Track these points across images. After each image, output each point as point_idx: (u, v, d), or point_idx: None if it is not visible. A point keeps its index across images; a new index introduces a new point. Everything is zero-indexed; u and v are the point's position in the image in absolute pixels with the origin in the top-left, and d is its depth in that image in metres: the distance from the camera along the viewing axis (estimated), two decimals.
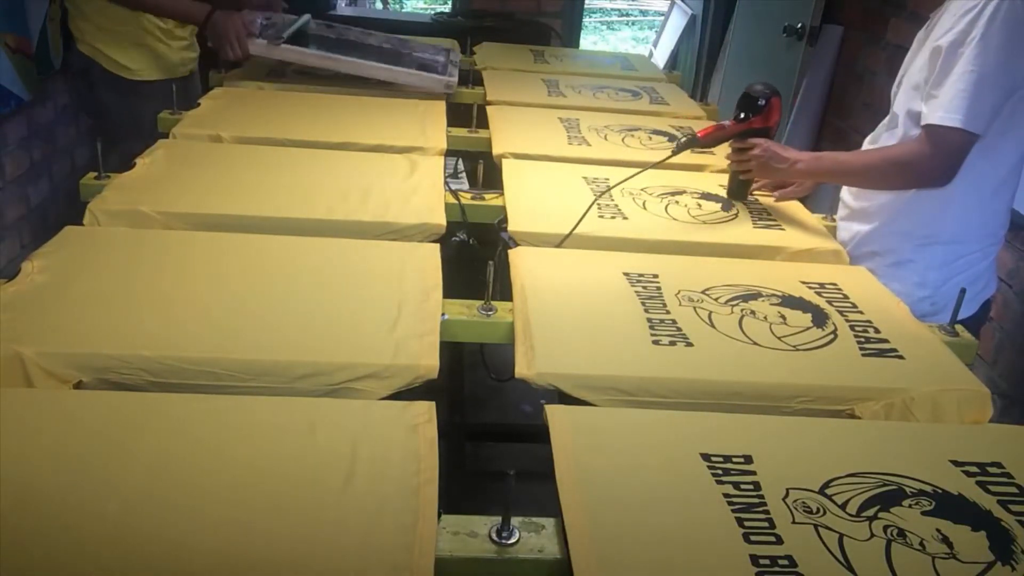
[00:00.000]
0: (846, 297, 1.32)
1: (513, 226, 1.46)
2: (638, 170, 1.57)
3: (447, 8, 4.14)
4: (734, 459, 0.93)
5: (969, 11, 1.39)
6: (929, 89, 1.44)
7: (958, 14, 1.41)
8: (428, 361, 1.04)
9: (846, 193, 1.68)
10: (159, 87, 2.24)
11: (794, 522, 0.84)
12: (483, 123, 1.99)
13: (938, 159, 1.44)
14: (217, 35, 2.18)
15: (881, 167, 1.53)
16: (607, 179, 1.70)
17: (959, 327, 1.27)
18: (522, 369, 1.07)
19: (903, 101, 1.54)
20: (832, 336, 1.20)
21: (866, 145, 1.67)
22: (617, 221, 1.53)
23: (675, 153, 1.57)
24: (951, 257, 1.51)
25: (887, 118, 1.63)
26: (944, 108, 1.40)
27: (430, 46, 2.50)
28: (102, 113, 2.29)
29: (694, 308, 1.24)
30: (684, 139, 1.58)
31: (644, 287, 1.29)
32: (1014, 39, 1.36)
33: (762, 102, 1.61)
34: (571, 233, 1.44)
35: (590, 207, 1.49)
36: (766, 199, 1.70)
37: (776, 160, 1.59)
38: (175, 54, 2.36)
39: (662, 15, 6.37)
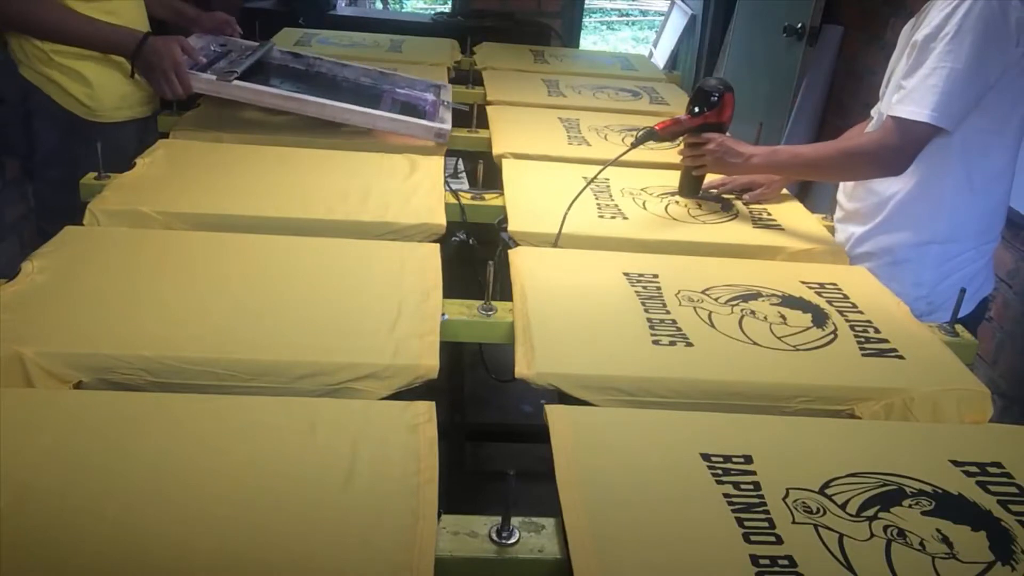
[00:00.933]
0: (846, 297, 1.32)
1: (513, 226, 1.46)
2: (601, 168, 1.57)
3: (447, 8, 4.14)
4: (734, 459, 0.93)
5: (945, 7, 1.39)
6: (900, 80, 1.45)
7: (937, 8, 1.41)
8: (428, 361, 1.04)
9: (841, 195, 1.67)
10: (112, 129, 1.84)
11: (794, 522, 0.84)
12: (483, 123, 1.99)
13: (902, 151, 1.45)
14: (149, 66, 1.77)
15: (840, 159, 1.55)
16: (607, 179, 1.71)
17: (959, 327, 1.27)
18: (522, 369, 1.07)
19: (887, 100, 1.54)
20: (832, 336, 1.20)
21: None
22: (617, 221, 1.53)
23: (634, 146, 1.57)
24: (946, 256, 1.51)
25: (874, 119, 1.62)
26: (915, 102, 1.40)
27: (418, 80, 2.16)
28: (32, 153, 1.71)
29: (694, 308, 1.24)
30: (642, 132, 1.59)
31: (644, 287, 1.29)
32: (988, 36, 1.36)
33: (715, 97, 1.60)
34: (560, 233, 1.44)
35: (571, 205, 1.47)
36: (730, 198, 1.69)
37: (730, 155, 1.59)
38: (141, 88, 1.91)
39: (662, 15, 6.37)
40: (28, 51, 1.80)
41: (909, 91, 1.42)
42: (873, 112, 1.73)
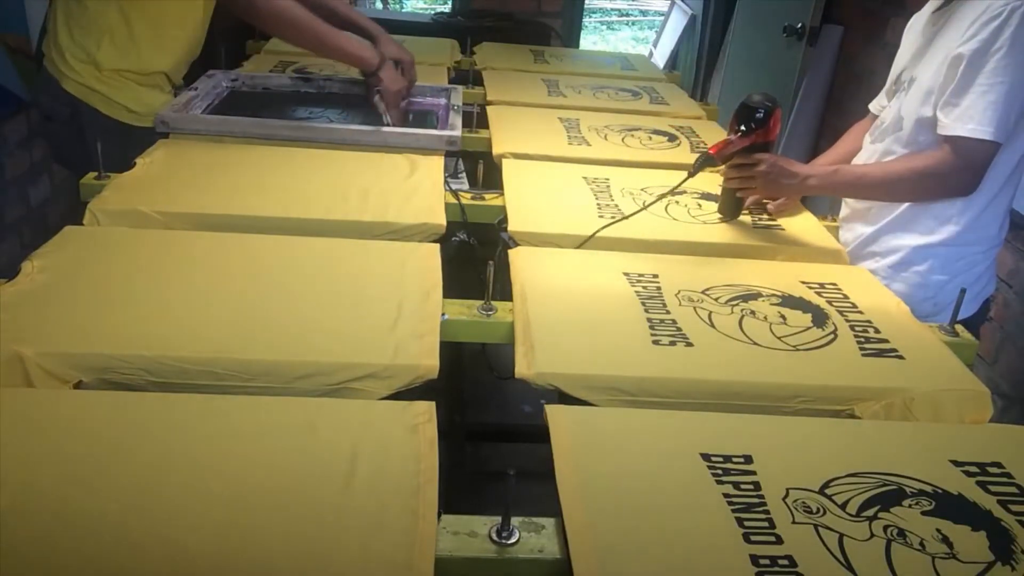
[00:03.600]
0: (846, 297, 1.32)
1: (513, 226, 1.46)
2: (673, 186, 1.52)
3: (447, 8, 4.14)
4: (734, 459, 0.93)
5: (993, 19, 1.37)
6: (949, 97, 1.42)
7: (980, 21, 1.39)
8: (428, 361, 1.04)
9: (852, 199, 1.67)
10: (152, 136, 1.79)
11: (794, 522, 0.84)
12: (483, 123, 1.99)
13: (969, 171, 1.42)
14: (388, 92, 1.93)
15: (908, 180, 1.49)
16: (607, 179, 1.70)
17: (959, 327, 1.27)
18: (522, 369, 1.07)
19: (912, 106, 1.51)
20: (832, 336, 1.20)
21: (867, 146, 1.66)
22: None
23: (692, 175, 1.48)
24: (953, 258, 1.51)
25: (886, 121, 1.60)
26: (975, 120, 1.38)
27: (428, 87, 2.17)
28: (90, 167, 1.61)
29: (694, 308, 1.24)
30: (700, 159, 1.49)
31: (644, 287, 1.29)
32: None
33: (761, 113, 1.50)
34: (593, 236, 1.43)
35: (613, 221, 1.46)
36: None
37: (785, 176, 1.52)
38: (167, 96, 1.93)
39: (662, 15, 6.37)
40: (73, 65, 1.80)
41: (966, 108, 1.39)
42: (873, 108, 1.72)
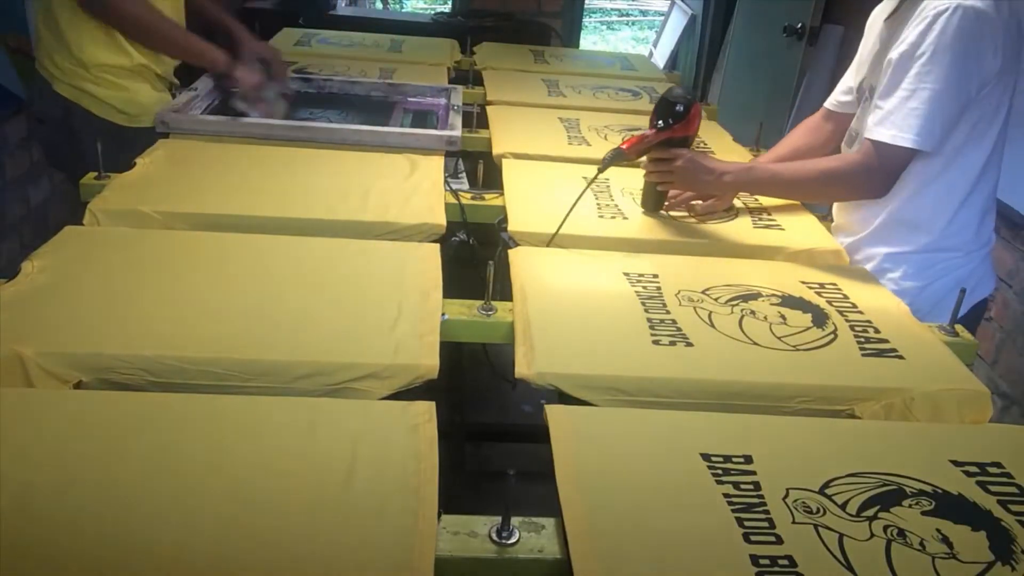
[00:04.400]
0: (846, 297, 1.32)
1: (513, 226, 1.46)
2: (589, 181, 1.51)
3: (447, 8, 4.14)
4: (734, 459, 0.93)
5: (920, 23, 1.36)
6: (876, 100, 1.42)
7: (911, 24, 1.38)
8: (428, 361, 1.04)
9: (834, 207, 1.67)
10: (145, 136, 1.79)
11: (794, 522, 0.84)
12: (483, 123, 1.99)
13: (881, 175, 1.42)
14: (245, 87, 1.91)
15: (818, 180, 1.50)
16: (607, 179, 1.70)
17: (959, 327, 1.27)
18: (522, 369, 1.07)
19: (862, 120, 1.51)
20: (832, 336, 1.20)
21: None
22: (617, 221, 1.53)
23: (602, 170, 1.49)
24: (927, 264, 1.50)
25: (857, 130, 1.58)
26: (896, 126, 1.38)
27: (428, 87, 2.20)
28: (82, 167, 1.61)
29: (694, 308, 1.24)
30: (611, 154, 1.49)
31: (644, 287, 1.29)
32: (967, 53, 1.34)
33: (681, 108, 1.50)
34: (556, 233, 1.42)
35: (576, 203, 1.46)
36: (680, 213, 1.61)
37: (702, 172, 1.51)
38: (160, 93, 1.97)
39: (662, 15, 6.37)
40: (61, 66, 1.83)
41: (888, 113, 1.39)
42: (829, 104, 1.71)
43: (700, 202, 1.60)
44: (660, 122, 1.51)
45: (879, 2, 1.58)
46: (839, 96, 1.69)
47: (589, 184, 1.50)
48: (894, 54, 1.40)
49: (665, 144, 1.52)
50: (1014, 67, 1.41)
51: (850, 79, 1.66)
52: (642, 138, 1.51)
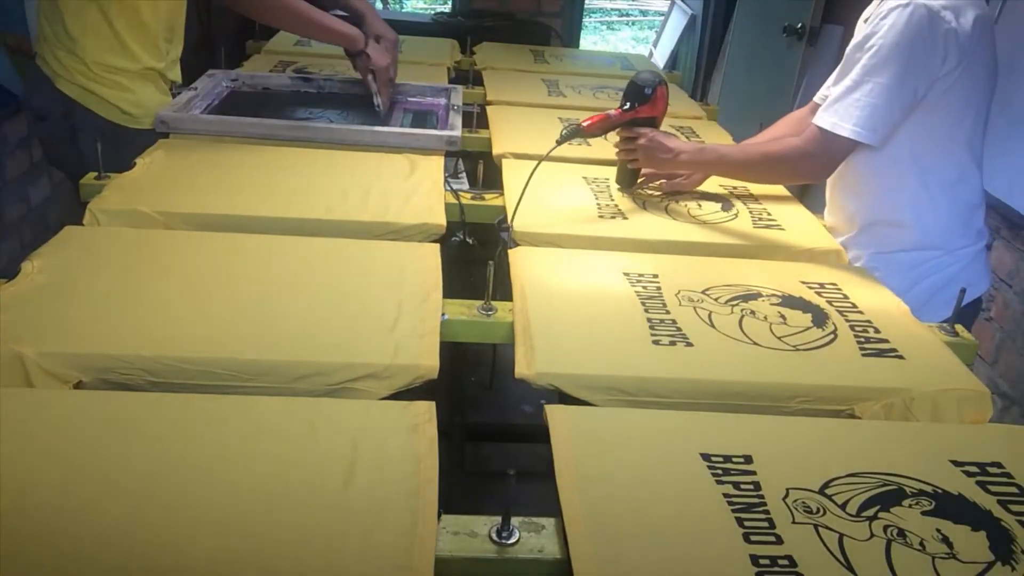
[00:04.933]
0: (846, 297, 1.32)
1: (513, 226, 1.46)
2: (536, 164, 1.52)
3: (447, 8, 4.14)
4: (734, 459, 0.93)
5: (876, 17, 1.38)
6: (828, 88, 1.47)
7: (869, 18, 1.41)
8: (428, 361, 1.04)
9: (825, 211, 1.68)
10: (145, 137, 1.78)
11: (794, 522, 0.84)
12: (483, 123, 1.99)
13: (821, 160, 1.47)
14: (379, 68, 1.95)
15: (762, 163, 1.57)
16: (607, 179, 1.71)
17: (959, 327, 1.27)
18: (522, 369, 1.07)
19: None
20: (832, 336, 1.20)
21: None
22: (617, 221, 1.53)
23: (560, 143, 1.54)
24: (913, 263, 1.51)
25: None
26: (839, 115, 1.41)
27: (428, 87, 2.20)
28: (83, 168, 1.60)
29: (694, 308, 1.24)
30: (570, 129, 1.56)
31: (644, 287, 1.29)
32: (914, 51, 1.35)
33: (648, 91, 1.58)
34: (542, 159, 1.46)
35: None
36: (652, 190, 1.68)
37: (661, 150, 1.59)
38: (163, 95, 1.93)
39: (662, 15, 6.37)
40: (66, 63, 1.79)
41: (833, 101, 1.42)
42: (818, 99, 1.74)
43: (667, 180, 1.68)
44: (627, 103, 1.60)
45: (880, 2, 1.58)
46: (824, 91, 1.72)
47: (548, 153, 1.54)
48: (849, 46, 1.43)
49: (631, 124, 1.61)
50: (979, 70, 1.41)
51: (833, 75, 1.68)
52: (605, 117, 1.59)
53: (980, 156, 1.51)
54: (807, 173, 1.53)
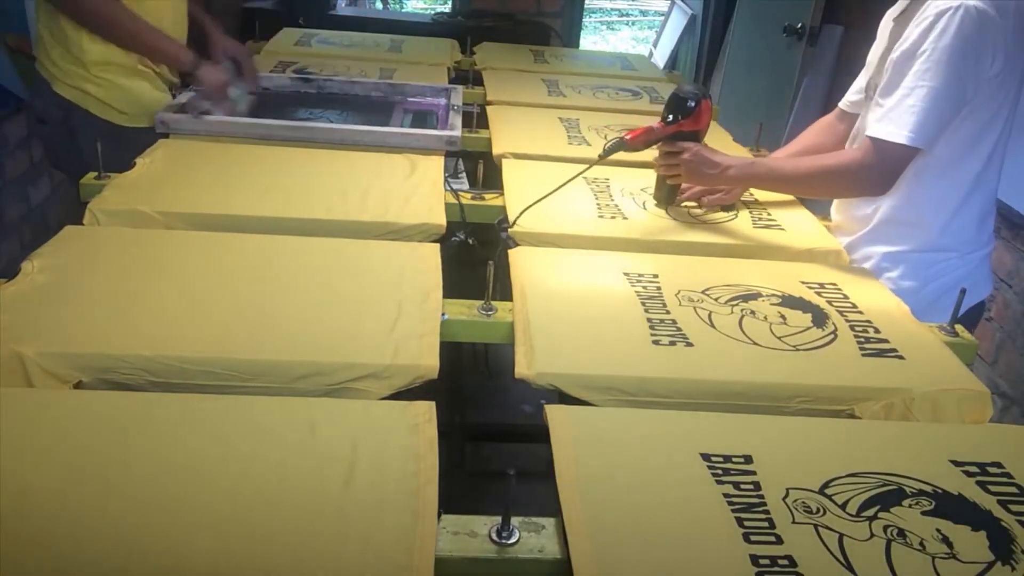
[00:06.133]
0: (846, 297, 1.32)
1: (513, 226, 1.46)
2: (581, 169, 1.53)
3: (447, 8, 4.14)
4: (734, 459, 0.93)
5: (922, 22, 1.37)
6: (877, 97, 1.43)
7: (914, 23, 1.39)
8: (428, 361, 1.04)
9: (832, 206, 1.67)
10: (144, 136, 1.80)
11: (794, 522, 0.84)
12: (483, 123, 1.99)
13: (881, 172, 1.43)
14: (209, 86, 1.89)
15: (817, 177, 1.52)
16: (607, 179, 1.70)
17: (959, 327, 1.27)
18: (522, 369, 1.07)
19: (865, 117, 1.52)
20: (832, 336, 1.20)
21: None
22: (617, 221, 1.53)
23: (603, 157, 1.50)
24: (924, 264, 1.50)
25: (857, 131, 1.59)
26: (894, 123, 1.39)
27: (428, 87, 2.21)
28: (82, 167, 1.61)
29: (694, 308, 1.24)
30: (614, 142, 1.50)
31: (644, 287, 1.29)
32: (966, 54, 1.34)
33: (692, 103, 1.52)
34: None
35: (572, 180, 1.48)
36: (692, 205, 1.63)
37: (706, 165, 1.52)
38: (160, 93, 1.95)
39: (662, 15, 6.37)
40: (62, 66, 1.82)
41: (888, 111, 1.40)
42: (843, 105, 1.72)
43: (709, 196, 1.62)
44: (669, 116, 1.53)
45: (880, 2, 1.58)
46: (851, 96, 1.70)
47: (587, 168, 1.52)
48: (896, 53, 1.41)
49: (674, 138, 1.54)
50: (1016, 70, 1.41)
51: (861, 79, 1.66)
52: (648, 130, 1.53)
53: (1003, 159, 1.50)
54: (867, 186, 1.47)
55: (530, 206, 1.46)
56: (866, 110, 1.57)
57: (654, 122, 1.54)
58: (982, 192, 1.49)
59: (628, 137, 1.51)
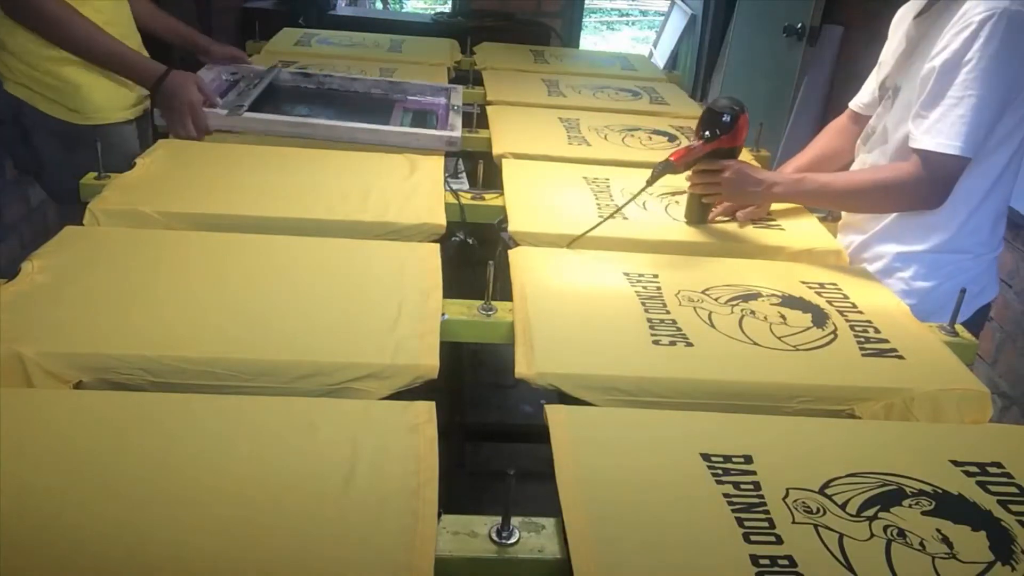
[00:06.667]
0: (846, 297, 1.32)
1: (513, 226, 1.46)
2: (634, 195, 1.51)
3: (447, 8, 4.14)
4: (734, 459, 0.93)
5: (964, 29, 1.35)
6: (920, 109, 1.41)
7: (953, 31, 1.37)
8: (428, 361, 1.04)
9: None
10: (109, 131, 1.78)
11: (794, 522, 0.84)
12: (483, 123, 1.99)
13: (935, 185, 1.40)
14: (169, 107, 1.75)
15: (872, 192, 1.48)
16: (607, 179, 1.70)
17: (959, 327, 1.27)
18: (522, 369, 1.07)
19: (896, 119, 1.50)
20: (832, 336, 1.20)
21: (859, 156, 1.63)
22: (617, 221, 1.53)
23: (651, 183, 1.45)
24: (938, 265, 1.49)
25: (875, 130, 1.58)
26: (944, 134, 1.36)
27: (428, 86, 2.19)
28: (42, 169, 1.60)
29: (694, 308, 1.24)
30: (661, 166, 1.45)
31: (644, 287, 1.29)
32: (1012, 61, 1.33)
33: (728, 118, 1.48)
34: (578, 236, 1.42)
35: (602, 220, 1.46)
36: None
37: (749, 183, 1.49)
38: (118, 89, 1.87)
39: (662, 15, 6.37)
40: (11, 65, 1.76)
41: (935, 122, 1.37)
42: (853, 106, 1.71)
43: (742, 210, 1.59)
44: (707, 132, 1.49)
45: (880, 2, 1.57)
46: (864, 98, 1.69)
47: (637, 195, 1.50)
48: (936, 61, 1.38)
49: (712, 156, 1.50)
50: None
51: (873, 79, 1.65)
52: (689, 150, 1.48)
53: (1021, 162, 1.49)
54: (923, 200, 1.42)
55: (587, 232, 1.43)
56: (883, 109, 1.56)
57: (692, 140, 1.49)
58: (999, 194, 1.49)
59: (674, 159, 1.45)
